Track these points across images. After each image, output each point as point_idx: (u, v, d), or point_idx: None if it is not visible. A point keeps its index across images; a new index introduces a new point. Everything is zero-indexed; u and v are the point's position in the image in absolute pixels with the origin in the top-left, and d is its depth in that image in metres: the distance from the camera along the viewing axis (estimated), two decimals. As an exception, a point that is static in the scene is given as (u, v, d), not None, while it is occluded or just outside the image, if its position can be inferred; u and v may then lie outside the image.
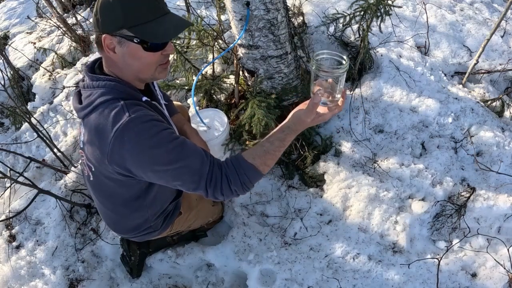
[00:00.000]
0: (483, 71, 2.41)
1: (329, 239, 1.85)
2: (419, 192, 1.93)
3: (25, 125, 2.95)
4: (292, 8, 2.60)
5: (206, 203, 1.84)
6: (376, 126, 2.18)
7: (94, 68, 1.24)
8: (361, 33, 2.08)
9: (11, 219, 2.27)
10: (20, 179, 2.17)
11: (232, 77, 2.23)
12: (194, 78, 2.09)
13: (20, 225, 2.25)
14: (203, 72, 2.21)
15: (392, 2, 1.89)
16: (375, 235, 1.83)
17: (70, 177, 2.31)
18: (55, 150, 2.37)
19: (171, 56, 2.00)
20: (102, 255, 2.07)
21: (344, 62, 1.13)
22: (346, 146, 2.10)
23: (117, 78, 1.19)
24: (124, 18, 1.06)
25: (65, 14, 4.19)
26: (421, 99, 2.19)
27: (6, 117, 3.50)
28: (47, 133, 2.35)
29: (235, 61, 2.03)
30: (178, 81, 2.62)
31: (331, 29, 2.49)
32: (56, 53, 3.53)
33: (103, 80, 1.17)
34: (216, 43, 2.21)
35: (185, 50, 2.40)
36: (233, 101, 2.26)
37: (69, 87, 3.04)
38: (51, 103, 3.01)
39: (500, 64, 2.44)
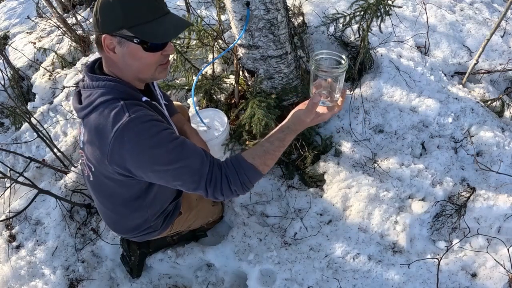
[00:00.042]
0: (483, 71, 2.41)
1: (329, 239, 1.85)
2: (419, 192, 1.93)
3: (25, 125, 2.95)
4: (292, 8, 2.60)
5: (206, 203, 1.84)
6: (376, 126, 2.18)
7: (94, 68, 1.24)
8: (361, 33, 2.08)
9: (11, 219, 2.27)
10: (20, 179, 2.17)
11: (232, 77, 2.23)
12: (194, 78, 2.09)
13: (20, 225, 2.25)
14: (203, 72, 2.21)
15: (392, 2, 1.89)
16: (375, 235, 1.83)
17: (70, 177, 2.31)
18: (55, 150, 2.37)
19: (171, 56, 2.00)
20: (102, 255, 2.07)
21: (343, 61, 1.13)
22: (346, 146, 2.10)
23: (117, 78, 1.19)
24: (124, 18, 1.06)
25: (65, 14, 4.19)
26: (421, 99, 2.19)
27: (6, 117, 3.50)
28: (47, 133, 2.35)
29: (235, 61, 2.03)
30: (178, 81, 2.62)
31: (331, 29, 2.49)
32: (56, 53, 3.53)
33: (103, 80, 1.17)
34: (216, 43, 2.21)
35: (185, 50, 2.40)
36: (233, 101, 2.26)
37: (69, 87, 3.04)
38: (51, 103, 3.01)
39: (500, 64, 2.44)
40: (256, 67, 1.97)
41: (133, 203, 1.37)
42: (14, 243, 2.19)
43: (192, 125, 1.82)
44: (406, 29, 2.61)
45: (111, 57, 1.15)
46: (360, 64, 2.31)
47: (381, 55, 2.36)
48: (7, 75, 3.24)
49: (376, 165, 2.04)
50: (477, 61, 2.17)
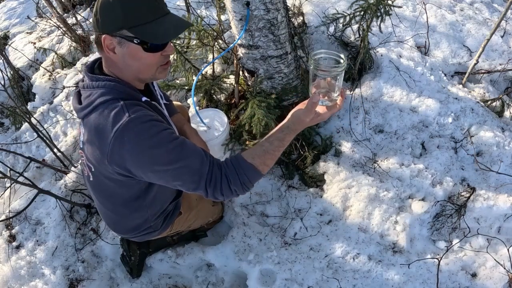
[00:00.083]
0: (483, 71, 2.41)
1: (329, 239, 1.85)
2: (419, 192, 1.93)
3: (25, 125, 2.95)
4: (292, 8, 2.60)
5: (206, 203, 1.84)
6: (376, 126, 2.18)
7: (94, 68, 1.24)
8: (361, 33, 2.08)
9: (11, 219, 2.27)
10: (20, 179, 2.17)
11: (232, 77, 2.23)
12: (194, 78, 2.09)
13: (20, 225, 2.25)
14: (203, 72, 2.21)
15: (392, 2, 1.89)
16: (375, 235, 1.83)
17: (70, 177, 2.31)
18: (55, 150, 2.37)
19: (171, 56, 2.00)
20: (102, 255, 2.07)
21: (342, 61, 1.13)
22: (346, 146, 2.10)
23: (117, 78, 1.19)
24: (124, 18, 1.06)
25: (65, 14, 4.19)
26: (421, 99, 2.19)
27: (6, 117, 3.50)
28: (47, 133, 2.35)
29: (235, 61, 2.03)
30: (178, 81, 2.62)
31: (331, 29, 2.49)
32: (56, 53, 3.53)
33: (103, 80, 1.17)
34: (216, 43, 2.21)
35: (185, 50, 2.40)
36: (233, 101, 2.26)
37: (69, 87, 3.04)
38: (51, 103, 3.01)
39: (500, 64, 2.44)
40: (256, 67, 1.97)
41: (133, 203, 1.37)
42: (14, 243, 2.19)
43: (192, 125, 1.82)
44: (406, 29, 2.61)
45: (111, 57, 1.15)
46: (360, 64, 2.31)
47: (381, 55, 2.36)
48: (7, 75, 3.24)
49: (376, 165, 2.04)
50: (477, 61, 2.17)
